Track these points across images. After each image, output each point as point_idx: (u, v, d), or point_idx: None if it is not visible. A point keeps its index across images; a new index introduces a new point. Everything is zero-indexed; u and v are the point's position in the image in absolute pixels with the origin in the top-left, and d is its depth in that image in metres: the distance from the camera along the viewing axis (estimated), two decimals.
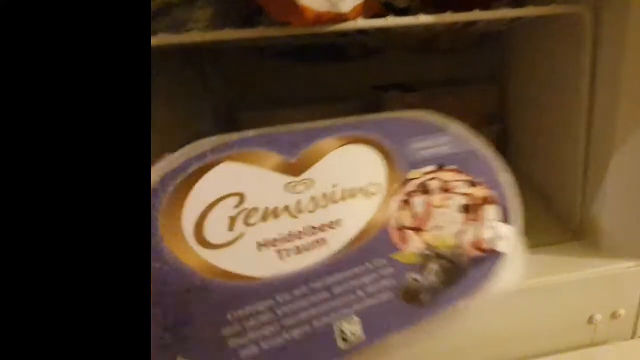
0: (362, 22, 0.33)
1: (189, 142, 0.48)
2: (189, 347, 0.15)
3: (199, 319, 0.15)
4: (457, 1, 0.41)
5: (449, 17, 0.34)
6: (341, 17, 0.31)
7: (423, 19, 0.33)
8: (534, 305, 0.39)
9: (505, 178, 0.22)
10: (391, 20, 0.33)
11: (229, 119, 0.68)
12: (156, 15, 0.34)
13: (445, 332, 0.19)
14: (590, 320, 0.41)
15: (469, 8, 0.39)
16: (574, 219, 0.43)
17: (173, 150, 0.49)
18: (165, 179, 0.16)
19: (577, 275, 0.38)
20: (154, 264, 0.15)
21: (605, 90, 0.38)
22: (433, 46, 0.68)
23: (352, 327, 0.17)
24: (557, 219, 0.46)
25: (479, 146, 0.22)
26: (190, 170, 0.17)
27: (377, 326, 0.17)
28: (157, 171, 0.16)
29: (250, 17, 0.37)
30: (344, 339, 0.17)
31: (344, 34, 0.36)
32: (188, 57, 0.60)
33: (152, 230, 0.16)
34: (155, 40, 0.31)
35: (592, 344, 0.42)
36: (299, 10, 0.29)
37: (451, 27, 0.42)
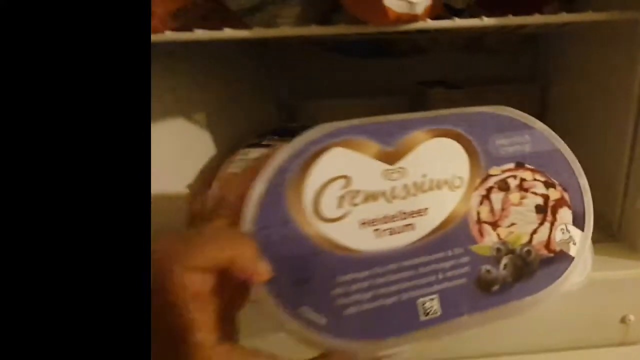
0: (432, 23, 0.36)
1: (253, 129, 0.51)
2: (310, 300, 0.19)
3: (314, 279, 0.19)
4: (510, 4, 0.43)
5: (511, 20, 0.36)
6: (415, 18, 0.35)
7: (487, 21, 0.36)
8: (568, 300, 0.41)
9: (585, 183, 0.24)
10: (458, 22, 0.36)
11: (288, 108, 0.76)
12: (253, 10, 0.38)
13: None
14: (623, 320, 0.43)
15: (520, 11, 0.41)
16: (613, 220, 0.45)
17: (238, 133, 0.52)
18: (290, 160, 0.20)
19: (612, 275, 0.40)
20: (282, 230, 0.19)
21: None
22: (478, 46, 0.72)
23: (432, 304, 0.20)
24: (596, 218, 0.48)
25: (562, 147, 0.24)
26: (308, 153, 0.20)
27: (452, 307, 0.20)
28: (284, 152, 0.20)
29: (328, 14, 0.41)
30: (425, 313, 0.20)
31: (407, 32, 0.39)
32: (255, 50, 0.65)
33: (280, 202, 0.19)
34: (254, 33, 0.35)
35: (624, 343, 0.44)
36: (383, 12, 0.32)
37: (501, 29, 0.44)
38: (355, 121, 0.21)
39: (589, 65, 0.52)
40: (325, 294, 0.19)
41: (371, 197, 0.20)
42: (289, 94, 0.77)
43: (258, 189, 0.19)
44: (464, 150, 0.22)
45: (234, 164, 0.52)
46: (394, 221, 0.20)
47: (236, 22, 0.38)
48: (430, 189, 0.21)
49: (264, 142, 0.56)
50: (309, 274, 0.19)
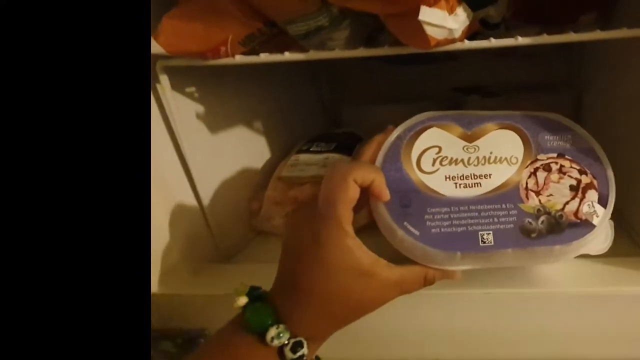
0: (468, 44, 0.45)
1: (302, 134, 0.71)
2: (410, 218, 0.35)
3: (414, 207, 0.36)
4: (547, 14, 0.54)
5: (545, 39, 0.43)
6: (454, 41, 0.44)
7: (521, 40, 0.44)
8: (594, 312, 0.48)
9: (611, 174, 0.39)
10: (494, 42, 0.45)
11: (333, 114, 0.95)
12: (308, 35, 0.48)
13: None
14: None
15: (557, 21, 0.50)
16: None
17: (290, 137, 0.70)
18: (405, 132, 0.38)
19: (636, 290, 0.46)
20: (396, 174, 0.37)
21: None
22: (512, 51, 0.78)
23: (488, 236, 0.35)
24: (627, 231, 0.57)
25: (596, 146, 0.39)
26: (417, 128, 0.38)
27: (502, 241, 0.35)
28: (402, 127, 0.39)
29: (374, 34, 0.51)
30: (482, 241, 0.35)
31: None
32: (303, 64, 0.82)
33: (397, 157, 0.37)
34: (309, 55, 0.48)
35: None
36: (425, 39, 0.41)
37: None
38: (449, 112, 0.39)
39: (623, 74, 0.59)
40: (419, 217, 0.36)
41: (454, 161, 0.37)
42: (332, 100, 0.97)
43: (384, 147, 0.37)
44: (520, 139, 0.39)
45: (287, 168, 0.70)
46: (468, 179, 0.37)
47: (293, 44, 0.49)
48: (494, 162, 0.38)
49: (312, 149, 0.73)
50: (410, 202, 0.36)
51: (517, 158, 0.38)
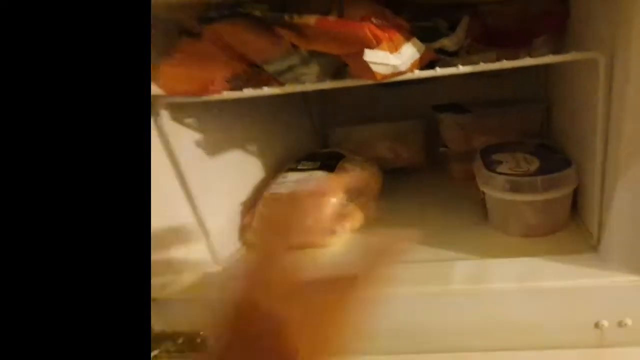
0: (418, 73, 0.54)
1: (293, 154, 0.94)
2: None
3: None
4: (504, 39, 0.63)
5: (482, 67, 0.53)
6: (402, 73, 0.53)
7: (462, 69, 0.53)
8: (545, 305, 0.56)
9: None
10: (439, 71, 0.53)
11: (322, 134, 1.11)
12: (283, 72, 0.60)
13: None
14: (597, 325, 0.56)
15: (513, 44, 0.60)
16: (593, 233, 0.61)
17: (284, 156, 0.98)
18: None
19: (585, 283, 0.55)
20: None
21: (614, 122, 0.51)
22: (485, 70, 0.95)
23: None
24: (584, 231, 0.66)
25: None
26: None
27: None
28: None
29: (341, 67, 0.61)
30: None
31: None
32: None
33: None
34: (284, 89, 0.58)
35: (599, 347, 0.58)
36: (372, 74, 0.51)
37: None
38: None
39: (572, 90, 0.69)
40: None
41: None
42: (322, 122, 1.11)
43: None
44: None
45: (275, 185, 0.82)
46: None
47: (272, 81, 0.61)
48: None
49: (299, 167, 0.86)
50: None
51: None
